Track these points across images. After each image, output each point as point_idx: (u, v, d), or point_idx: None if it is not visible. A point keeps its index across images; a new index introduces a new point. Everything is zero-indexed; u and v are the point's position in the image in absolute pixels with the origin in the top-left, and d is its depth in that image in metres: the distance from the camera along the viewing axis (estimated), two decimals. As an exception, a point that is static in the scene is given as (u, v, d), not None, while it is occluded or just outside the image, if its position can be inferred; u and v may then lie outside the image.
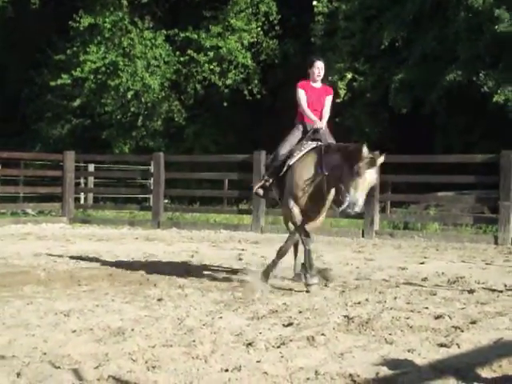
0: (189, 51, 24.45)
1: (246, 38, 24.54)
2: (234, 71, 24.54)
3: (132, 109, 25.31)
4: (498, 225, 13.46)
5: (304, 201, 7.77)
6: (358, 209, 7.22)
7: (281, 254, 8.15)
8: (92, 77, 25.09)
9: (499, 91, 18.04)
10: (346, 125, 22.08)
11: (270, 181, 8.26)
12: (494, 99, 17.97)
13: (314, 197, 7.74)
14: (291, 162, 7.95)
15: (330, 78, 21.76)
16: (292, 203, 7.80)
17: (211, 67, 24.46)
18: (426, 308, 6.47)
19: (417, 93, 20.20)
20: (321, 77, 8.32)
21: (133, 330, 5.42)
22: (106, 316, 5.98)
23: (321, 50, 22.82)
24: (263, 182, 8.39)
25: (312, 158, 7.80)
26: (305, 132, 8.21)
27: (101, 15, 24.86)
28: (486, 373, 4.38)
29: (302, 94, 8.26)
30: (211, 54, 24.40)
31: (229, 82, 24.47)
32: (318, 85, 8.32)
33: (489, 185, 15.24)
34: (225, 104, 24.67)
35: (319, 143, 8.00)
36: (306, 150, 7.97)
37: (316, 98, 8.24)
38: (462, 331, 5.51)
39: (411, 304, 6.70)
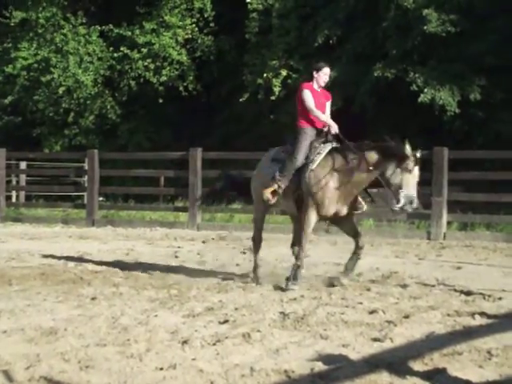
0: (122, 48, 24.20)
1: (180, 35, 24.40)
2: (168, 68, 24.36)
3: (64, 105, 24.89)
4: (431, 220, 13.69)
5: (332, 205, 7.69)
6: (415, 205, 7.44)
7: (302, 257, 7.91)
8: (24, 73, 24.63)
9: (426, 90, 18.40)
10: (281, 122, 22.18)
11: (283, 187, 7.95)
12: (421, 98, 18.30)
13: (344, 198, 7.73)
14: (313, 166, 7.80)
15: (264, 75, 21.87)
16: (313, 210, 7.70)
17: (145, 64, 24.23)
18: (361, 303, 6.53)
19: (348, 90, 20.42)
20: (325, 83, 8.39)
21: (65, 329, 5.33)
22: (37, 316, 5.87)
23: (256, 47, 22.90)
24: (276, 186, 7.98)
25: (337, 160, 7.75)
26: (316, 135, 8.11)
27: (33, 10, 24.40)
28: (418, 366, 4.45)
29: (309, 96, 8.19)
30: (145, 50, 24.18)
31: (163, 78, 24.28)
32: (318, 89, 8.34)
33: (421, 181, 15.47)
34: (160, 101, 24.50)
35: (334, 144, 7.96)
36: (324, 153, 7.87)
37: (318, 101, 8.23)
38: (396, 325, 5.58)
39: (346, 299, 6.75)
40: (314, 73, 8.35)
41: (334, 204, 7.69)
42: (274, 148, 8.63)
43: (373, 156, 7.61)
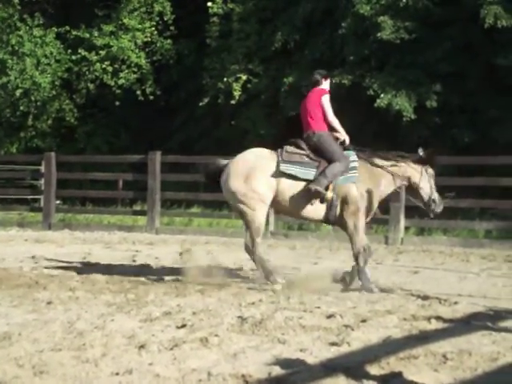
0: (80, 50, 23.97)
1: (139, 38, 24.25)
2: (127, 71, 24.18)
3: (21, 107, 24.56)
4: (389, 225, 13.81)
5: (372, 212, 8.13)
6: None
7: (364, 262, 7.99)
8: (-21, 76, 24.26)
9: (382, 95, 18.57)
10: (241, 126, 22.20)
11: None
12: (377, 103, 18.47)
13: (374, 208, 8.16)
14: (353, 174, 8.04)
15: (224, 79, 21.86)
16: (361, 216, 7.97)
17: (103, 66, 24.02)
18: (319, 307, 6.54)
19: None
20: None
21: (20, 334, 5.24)
22: (-9, 321, 5.77)
23: (216, 51, 22.88)
24: (329, 192, 7.99)
25: (373, 171, 8.13)
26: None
27: (-12, 12, 24.07)
28: (374, 370, 4.46)
29: (329, 102, 8.42)
30: (103, 52, 23.98)
31: (122, 81, 24.09)
32: None
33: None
34: (118, 104, 24.32)
35: (356, 154, 8.20)
36: (357, 161, 8.12)
37: None
38: (353, 330, 5.60)
39: (304, 304, 6.76)
40: (323, 80, 8.54)
41: (373, 210, 8.12)
42: (259, 149, 8.40)
43: (402, 165, 8.21)
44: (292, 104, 20.57)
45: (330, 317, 6.11)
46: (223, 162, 8.39)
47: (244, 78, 21.90)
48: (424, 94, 18.70)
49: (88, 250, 11.64)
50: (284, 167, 8.00)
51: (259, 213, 8.04)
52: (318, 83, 8.48)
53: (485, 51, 18.64)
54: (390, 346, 5.04)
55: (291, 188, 7.98)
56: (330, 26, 20.73)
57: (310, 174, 7.98)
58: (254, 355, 4.80)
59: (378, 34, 18.77)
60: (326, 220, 8.16)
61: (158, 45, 24.66)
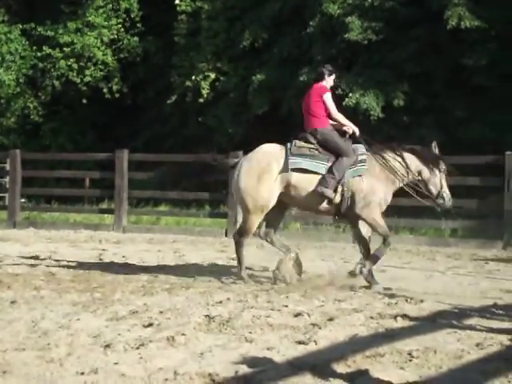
0: (44, 47, 23.71)
1: (105, 35, 24.06)
2: (93, 68, 23.98)
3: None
4: (356, 224, 13.84)
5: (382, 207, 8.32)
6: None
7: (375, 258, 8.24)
8: None
9: (350, 94, 18.67)
10: (208, 124, 22.15)
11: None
12: (345, 101, 18.55)
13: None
14: (363, 168, 8.14)
15: (193, 77, 21.79)
16: (375, 208, 8.15)
17: (68, 63, 23.79)
18: (286, 306, 6.54)
19: (275, 94, 20.56)
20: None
21: (-17, 334, 5.18)
22: (-47, 321, 5.68)
23: (184, 49, 22.80)
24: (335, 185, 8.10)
25: (382, 166, 8.20)
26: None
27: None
28: (341, 368, 4.48)
29: (331, 99, 8.44)
30: (67, 50, 23.75)
31: (88, 79, 23.87)
32: None
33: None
34: (84, 101, 24.11)
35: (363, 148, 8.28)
36: (365, 154, 8.22)
37: None
38: (320, 328, 5.61)
39: (271, 302, 6.75)
40: (327, 75, 8.51)
41: (387, 203, 8.31)
42: (271, 146, 8.46)
43: (412, 159, 8.29)
44: (260, 102, 20.61)
45: (297, 315, 6.11)
46: (234, 159, 8.67)
47: (212, 76, 21.87)
48: (391, 94, 18.85)
49: (54, 249, 11.52)
50: (293, 161, 8.10)
51: (255, 218, 8.23)
52: (321, 76, 8.52)
53: (451, 52, 18.81)
54: (356, 344, 5.06)
55: (303, 182, 8.09)
56: (298, 24, 20.79)
57: (321, 167, 8.10)
58: (220, 354, 4.78)
59: (346, 35, 18.87)
60: (338, 213, 8.32)
61: (125, 42, 24.50)
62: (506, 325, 5.90)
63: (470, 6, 17.98)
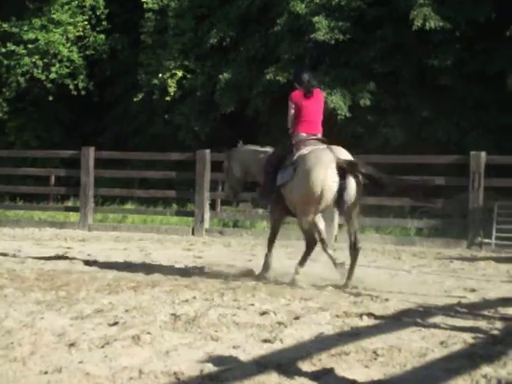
0: (9, 44, 23.44)
1: (71, 32, 23.86)
2: (58, 65, 23.74)
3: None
4: (323, 223, 13.89)
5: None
6: None
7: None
8: None
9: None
10: (175, 122, 22.07)
11: None
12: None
13: None
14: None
15: (160, 75, 21.70)
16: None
17: (33, 60, 23.54)
18: (252, 304, 6.53)
19: (242, 92, 20.56)
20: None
21: None
22: None
23: (151, 46, 22.70)
24: None
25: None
26: None
27: None
28: (306, 366, 4.49)
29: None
30: (32, 46, 23.50)
31: (53, 76, 23.63)
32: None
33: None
34: (50, 98, 23.88)
35: None
36: None
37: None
38: (286, 327, 5.62)
39: (238, 301, 6.74)
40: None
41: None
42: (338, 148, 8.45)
43: None
44: (227, 101, 20.59)
45: (263, 314, 6.11)
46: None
47: (180, 74, 21.79)
48: (358, 93, 18.95)
49: (18, 247, 11.39)
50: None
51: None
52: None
53: (417, 52, 18.99)
54: (322, 343, 5.08)
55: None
56: (265, 23, 20.82)
57: None
58: (186, 352, 4.77)
59: (313, 35, 18.95)
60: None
61: (91, 39, 24.31)
62: (469, 323, 5.96)
63: (435, 6, 18.16)
